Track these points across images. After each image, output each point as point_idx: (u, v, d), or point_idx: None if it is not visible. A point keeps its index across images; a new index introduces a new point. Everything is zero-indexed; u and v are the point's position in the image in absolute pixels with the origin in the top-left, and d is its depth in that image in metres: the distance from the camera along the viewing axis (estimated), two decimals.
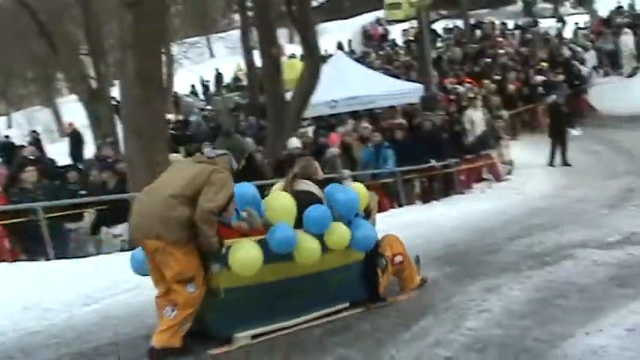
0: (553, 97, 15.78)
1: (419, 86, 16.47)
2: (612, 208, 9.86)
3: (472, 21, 28.67)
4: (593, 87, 19.49)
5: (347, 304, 5.94)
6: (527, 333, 5.17)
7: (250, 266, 5.31)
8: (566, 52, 20.22)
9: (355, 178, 10.70)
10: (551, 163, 14.38)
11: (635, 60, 20.22)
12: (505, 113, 15.39)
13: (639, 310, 5.43)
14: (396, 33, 32.80)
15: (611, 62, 20.85)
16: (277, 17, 14.18)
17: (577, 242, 8.03)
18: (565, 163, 14.33)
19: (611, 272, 6.60)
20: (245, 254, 5.30)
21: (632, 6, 26.60)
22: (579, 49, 21.05)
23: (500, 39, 24.13)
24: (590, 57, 20.60)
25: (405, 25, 31.33)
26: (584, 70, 19.67)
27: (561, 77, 18.17)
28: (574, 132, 15.95)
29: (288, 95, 13.37)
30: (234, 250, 5.31)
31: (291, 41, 29.20)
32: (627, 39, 20.47)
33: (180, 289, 5.33)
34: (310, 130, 14.27)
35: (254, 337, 5.47)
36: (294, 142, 11.55)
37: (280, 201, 5.77)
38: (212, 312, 5.46)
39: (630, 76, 19.75)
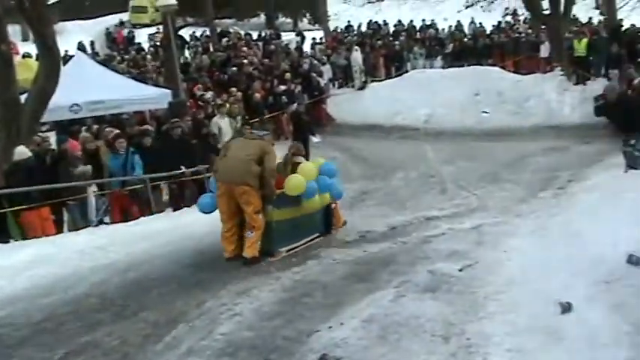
0: (294, 106, 16.57)
1: (167, 92, 16.27)
2: (349, 208, 10.55)
3: (218, 30, 29.07)
4: (330, 98, 20.67)
5: (318, 234, 9.15)
6: (277, 332, 5.53)
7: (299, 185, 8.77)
8: (306, 65, 21.19)
9: (102, 186, 10.78)
10: None
11: (363, 74, 21.69)
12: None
13: (373, 302, 6.00)
14: (142, 37, 32.42)
15: (344, 76, 22.23)
16: (6, 12, 12.92)
17: (320, 242, 8.82)
18: None
19: (349, 269, 7.26)
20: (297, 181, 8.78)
21: (359, 26, 31.22)
22: (317, 62, 22.14)
23: (245, 49, 24.68)
24: (327, 70, 21.78)
25: (152, 30, 31.08)
26: (322, 81, 20.78)
27: (300, 87, 19.13)
28: (314, 139, 16.90)
29: (23, 97, 12.43)
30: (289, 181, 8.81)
31: (25, 39, 27.55)
32: (357, 55, 21.98)
33: (257, 217, 8.37)
34: (52, 135, 13.76)
35: (287, 251, 8.46)
36: (22, 151, 10.50)
37: (309, 167, 9.20)
38: (267, 236, 8.39)
39: (360, 89, 21.15)
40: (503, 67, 21.90)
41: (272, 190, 8.55)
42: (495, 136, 17.34)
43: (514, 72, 21.74)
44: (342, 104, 20.30)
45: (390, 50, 23.95)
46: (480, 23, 31.44)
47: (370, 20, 33.44)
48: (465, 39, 25.93)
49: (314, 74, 20.64)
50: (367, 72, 22.09)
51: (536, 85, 19.72)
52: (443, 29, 29.66)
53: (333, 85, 21.95)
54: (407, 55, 23.99)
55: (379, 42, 25.13)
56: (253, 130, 9.62)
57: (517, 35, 25.73)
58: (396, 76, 21.98)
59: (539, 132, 17.39)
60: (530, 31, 26.15)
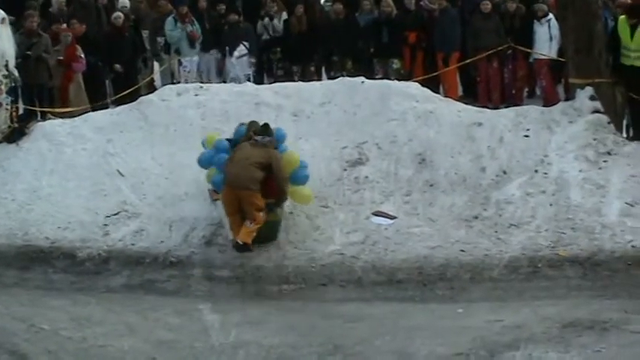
0: None
1: None
2: None
3: None
4: None
5: None
6: None
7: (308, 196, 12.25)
8: None
9: None
10: None
11: None
12: None
13: None
14: None
15: None
16: None
17: None
18: None
19: None
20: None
21: None
22: None
23: None
24: None
25: None
26: None
27: None
28: None
29: None
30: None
31: None
32: None
33: (257, 214, 11.21)
34: None
35: None
36: None
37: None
38: (272, 229, 11.86)
39: None
40: (423, 82, 15.27)
41: (285, 196, 11.65)
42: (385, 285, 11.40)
43: (460, 98, 16.24)
44: None
45: None
46: None
47: None
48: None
49: None
50: None
51: (521, 142, 13.36)
52: None
53: None
54: None
55: None
56: (257, 138, 11.66)
57: None
58: None
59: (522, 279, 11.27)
60: None
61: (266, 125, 12.30)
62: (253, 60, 17.89)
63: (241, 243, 11.26)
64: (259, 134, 11.84)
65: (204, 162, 12.76)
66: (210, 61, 18.03)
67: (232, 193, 11.37)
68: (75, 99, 16.45)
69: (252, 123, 12.44)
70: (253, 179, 11.20)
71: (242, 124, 12.76)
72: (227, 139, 12.62)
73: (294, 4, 17.87)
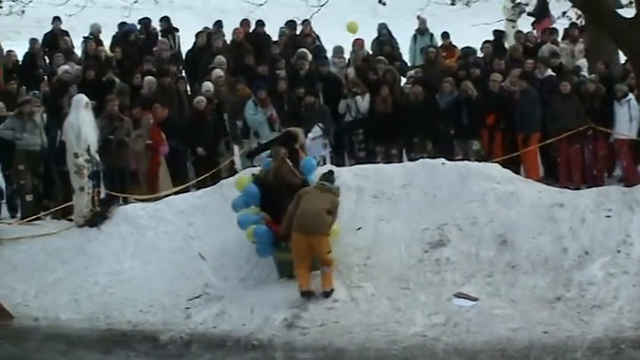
0: None
1: None
2: None
3: None
4: None
5: None
6: None
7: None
8: None
9: None
10: None
11: None
12: None
13: None
14: None
15: None
16: None
17: None
18: None
19: None
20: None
21: None
22: None
23: None
24: None
25: None
26: None
27: None
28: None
29: None
30: None
31: None
32: None
33: (329, 257, 12.46)
34: None
35: None
36: None
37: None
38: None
39: None
40: (504, 163, 15.77)
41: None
42: None
43: (541, 179, 16.42)
44: None
45: None
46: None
47: None
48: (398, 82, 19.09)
49: None
50: None
51: (603, 223, 13.59)
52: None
53: None
54: None
55: None
56: (326, 182, 12.78)
57: (548, 76, 18.23)
58: None
59: None
60: (583, 62, 19.35)
61: (331, 172, 13.23)
62: (326, 142, 18.11)
63: (328, 290, 12.68)
64: (324, 180, 12.97)
65: (243, 223, 13.46)
66: None
67: (304, 239, 12.39)
68: (163, 183, 16.87)
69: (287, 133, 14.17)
70: (325, 224, 12.45)
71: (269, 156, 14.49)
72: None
73: (375, 85, 18.21)
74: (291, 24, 21.94)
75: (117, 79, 19.03)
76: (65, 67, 19.49)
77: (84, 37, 21.77)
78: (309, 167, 13.79)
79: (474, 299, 12.73)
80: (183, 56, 21.57)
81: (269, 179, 13.39)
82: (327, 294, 12.55)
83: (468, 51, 20.34)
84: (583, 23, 20.45)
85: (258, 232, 13.06)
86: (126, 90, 18.38)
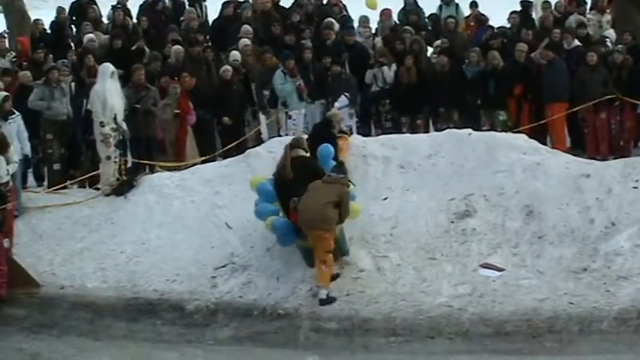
0: None
1: None
2: None
3: None
4: None
5: None
6: None
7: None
8: None
9: None
10: None
11: None
12: None
13: None
14: None
15: None
16: None
17: None
18: None
19: None
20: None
21: None
22: None
23: None
24: None
25: None
26: None
27: None
28: None
29: None
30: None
31: None
32: None
33: (328, 256, 12.17)
34: None
35: None
36: None
37: None
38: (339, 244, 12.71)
39: None
40: (531, 134, 15.89)
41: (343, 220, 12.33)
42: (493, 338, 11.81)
43: (568, 150, 16.52)
44: None
45: None
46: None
47: None
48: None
49: None
50: None
51: (630, 193, 13.67)
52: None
53: None
54: None
55: None
56: (331, 174, 12.44)
57: (575, 46, 18.05)
58: None
59: None
60: (611, 33, 19.21)
61: (341, 163, 13.16)
62: (352, 112, 18.11)
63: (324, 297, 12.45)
64: (334, 172, 12.63)
65: (261, 214, 13.36)
66: (315, 112, 18.28)
67: (309, 234, 12.34)
68: (190, 152, 16.96)
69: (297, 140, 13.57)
70: (327, 219, 12.04)
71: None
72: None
73: (401, 56, 18.21)
74: None
75: (147, 48, 19.08)
76: (90, 35, 19.55)
77: (112, 6, 21.79)
78: (326, 154, 13.50)
79: (500, 270, 12.80)
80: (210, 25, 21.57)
81: (287, 174, 12.99)
82: (322, 296, 12.57)
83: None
84: None
85: (277, 224, 12.91)
86: (157, 56, 18.46)
